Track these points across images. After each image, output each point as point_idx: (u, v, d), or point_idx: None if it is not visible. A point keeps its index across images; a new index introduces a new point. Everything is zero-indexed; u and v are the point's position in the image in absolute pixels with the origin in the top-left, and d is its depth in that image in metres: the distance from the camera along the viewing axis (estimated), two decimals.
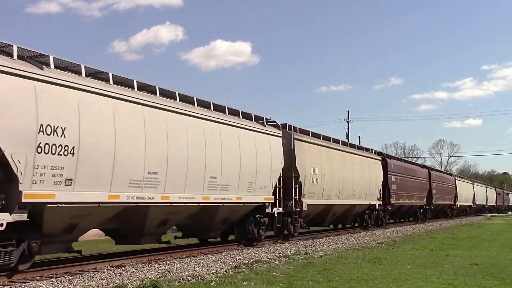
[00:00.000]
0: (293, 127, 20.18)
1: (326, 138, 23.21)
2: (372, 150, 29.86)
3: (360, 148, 27.97)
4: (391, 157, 33.36)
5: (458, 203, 49.73)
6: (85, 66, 11.12)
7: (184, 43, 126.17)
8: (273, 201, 17.76)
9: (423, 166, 43.63)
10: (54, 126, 9.86)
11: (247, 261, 12.94)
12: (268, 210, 17.61)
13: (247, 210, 16.85)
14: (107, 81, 11.63)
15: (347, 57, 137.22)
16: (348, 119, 60.92)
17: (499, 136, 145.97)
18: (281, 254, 14.70)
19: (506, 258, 14.12)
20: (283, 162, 18.23)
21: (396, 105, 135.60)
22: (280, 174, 18.16)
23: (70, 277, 10.26)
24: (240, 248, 16.32)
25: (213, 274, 10.85)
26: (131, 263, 12.46)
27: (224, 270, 11.47)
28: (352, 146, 26.67)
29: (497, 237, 23.62)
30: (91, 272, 10.96)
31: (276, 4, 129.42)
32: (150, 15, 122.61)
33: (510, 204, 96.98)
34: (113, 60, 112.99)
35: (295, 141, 19.40)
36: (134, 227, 13.07)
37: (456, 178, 52.07)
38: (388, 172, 30.06)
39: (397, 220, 36.91)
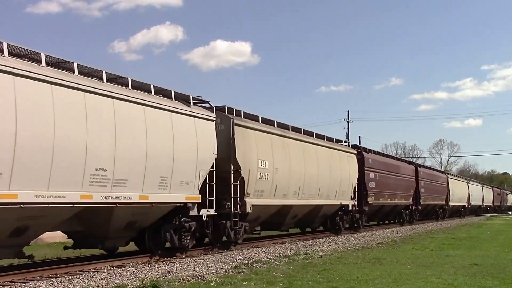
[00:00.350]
0: (236, 110, 16.67)
1: (283, 126, 19.38)
2: (345, 141, 26.20)
3: (330, 139, 23.50)
4: (369, 151, 29.00)
5: (450, 203, 46.05)
6: None
7: (184, 43, 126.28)
8: (199, 201, 14.26)
9: (410, 163, 39.45)
10: None
11: (247, 261, 12.94)
12: (194, 213, 14.20)
13: (162, 213, 13.49)
14: None
15: (347, 57, 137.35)
16: (348, 119, 60.96)
17: (499, 136, 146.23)
18: (281, 254, 14.70)
19: (506, 258, 14.13)
20: (216, 153, 14.77)
21: (396, 105, 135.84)
22: (212, 168, 14.73)
23: (70, 277, 10.27)
24: (240, 249, 16.30)
25: (213, 274, 10.86)
26: (131, 263, 12.46)
27: (224, 270, 11.47)
28: (319, 136, 22.38)
29: (497, 237, 23.64)
30: (91, 272, 10.96)
31: (276, 4, 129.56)
32: (150, 15, 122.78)
33: (509, 205, 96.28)
34: (113, 60, 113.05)
35: (236, 127, 15.74)
36: None
37: (449, 176, 48.37)
38: (365, 168, 26.30)
39: (381, 222, 33.65)
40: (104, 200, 11.18)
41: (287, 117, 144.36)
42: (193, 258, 13.64)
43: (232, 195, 15.51)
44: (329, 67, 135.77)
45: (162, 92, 13.68)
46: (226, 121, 15.67)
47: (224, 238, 16.12)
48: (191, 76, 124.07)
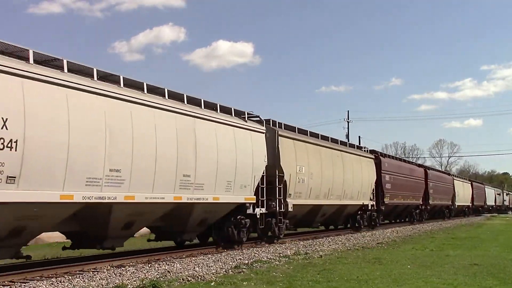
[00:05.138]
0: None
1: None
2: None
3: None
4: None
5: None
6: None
7: (186, 44, 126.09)
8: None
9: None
10: None
11: (247, 261, 12.94)
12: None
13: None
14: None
15: (347, 57, 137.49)
16: (348, 119, 61.02)
17: (499, 136, 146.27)
18: (281, 254, 14.69)
19: (506, 258, 14.12)
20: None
21: (396, 105, 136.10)
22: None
23: (70, 277, 10.26)
24: (240, 248, 16.31)
25: (213, 274, 10.85)
26: (131, 263, 12.46)
27: (224, 270, 11.47)
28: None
29: (497, 237, 23.64)
30: (91, 272, 10.95)
31: (277, 4, 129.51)
32: (153, 17, 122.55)
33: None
34: (114, 61, 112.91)
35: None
36: None
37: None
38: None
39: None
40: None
41: (288, 117, 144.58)
42: (193, 258, 13.64)
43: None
44: (330, 67, 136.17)
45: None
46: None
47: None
48: (192, 77, 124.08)
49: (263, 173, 17.06)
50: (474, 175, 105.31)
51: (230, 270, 11.42)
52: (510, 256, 14.67)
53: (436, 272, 11.34)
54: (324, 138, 22.98)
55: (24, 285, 9.44)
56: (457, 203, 48.70)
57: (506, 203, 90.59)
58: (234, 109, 16.00)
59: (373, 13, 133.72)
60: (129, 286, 9.31)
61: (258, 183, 16.81)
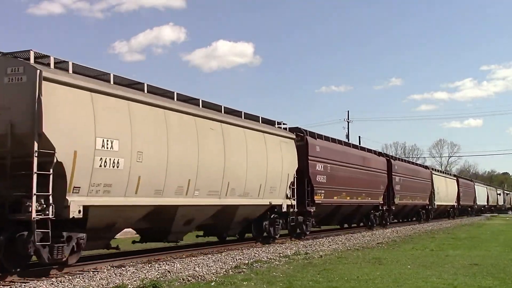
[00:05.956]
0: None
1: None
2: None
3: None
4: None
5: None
6: None
7: (186, 44, 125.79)
8: None
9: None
10: None
11: (247, 261, 12.95)
12: None
13: None
14: None
15: (347, 57, 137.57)
16: (348, 119, 61.05)
17: (499, 136, 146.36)
18: (281, 254, 14.70)
19: (506, 258, 14.12)
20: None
21: (396, 105, 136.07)
22: None
23: (70, 277, 10.26)
24: (240, 248, 16.31)
25: (213, 274, 10.86)
26: (131, 263, 12.46)
27: (224, 270, 11.48)
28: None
29: (497, 237, 23.65)
30: (91, 272, 10.96)
31: (278, 5, 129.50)
32: (153, 17, 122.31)
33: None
34: (115, 61, 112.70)
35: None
36: None
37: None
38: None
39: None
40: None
41: (288, 117, 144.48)
42: (193, 258, 13.65)
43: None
44: (330, 67, 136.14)
45: None
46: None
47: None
48: (192, 77, 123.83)
49: None
50: (474, 175, 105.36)
51: (230, 270, 11.43)
52: (510, 256, 14.67)
53: (436, 272, 11.35)
54: (188, 100, 14.47)
55: (24, 285, 9.44)
56: (436, 203, 41.84)
57: (501, 202, 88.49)
58: None
59: (374, 13, 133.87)
60: (129, 286, 9.32)
61: None
